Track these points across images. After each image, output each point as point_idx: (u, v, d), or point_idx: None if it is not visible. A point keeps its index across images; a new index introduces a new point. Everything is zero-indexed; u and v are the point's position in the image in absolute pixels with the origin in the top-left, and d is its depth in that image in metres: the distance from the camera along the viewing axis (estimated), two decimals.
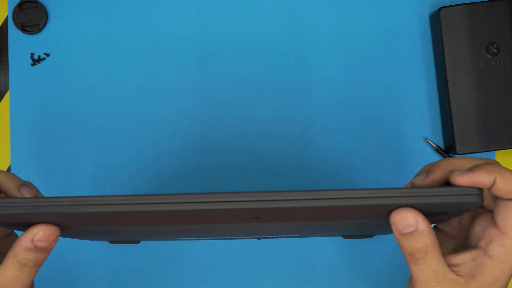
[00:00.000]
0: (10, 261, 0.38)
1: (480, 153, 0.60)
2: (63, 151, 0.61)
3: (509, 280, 0.35)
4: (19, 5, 0.60)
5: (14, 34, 0.61)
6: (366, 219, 0.37)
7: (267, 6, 0.61)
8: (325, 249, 0.61)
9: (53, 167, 0.61)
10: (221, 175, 0.59)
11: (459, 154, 0.58)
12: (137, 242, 0.53)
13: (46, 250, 0.38)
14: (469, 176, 0.35)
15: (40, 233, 0.37)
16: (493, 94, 0.58)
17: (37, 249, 0.37)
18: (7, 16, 0.61)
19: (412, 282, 0.37)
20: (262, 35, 0.60)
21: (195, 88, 0.60)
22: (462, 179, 0.35)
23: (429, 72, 0.61)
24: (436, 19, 0.59)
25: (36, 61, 0.60)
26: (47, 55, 0.61)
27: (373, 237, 0.61)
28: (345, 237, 0.58)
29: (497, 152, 0.61)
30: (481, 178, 0.34)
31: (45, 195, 0.60)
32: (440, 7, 0.58)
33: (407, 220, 0.35)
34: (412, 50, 0.61)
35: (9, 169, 0.61)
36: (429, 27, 0.61)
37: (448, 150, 0.60)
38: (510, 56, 0.58)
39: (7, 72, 0.62)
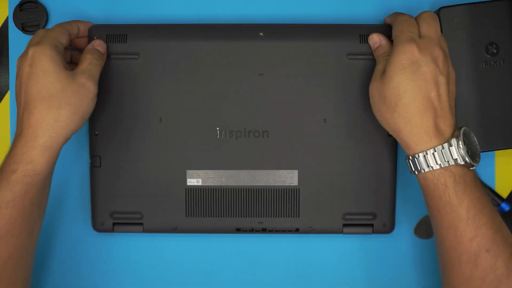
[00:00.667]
0: (82, 57, 0.55)
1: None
2: (63, 151, 0.61)
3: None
4: (20, 5, 0.61)
5: (14, 34, 0.62)
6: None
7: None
8: (325, 248, 0.61)
9: None
10: None
11: None
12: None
13: (100, 54, 0.56)
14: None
15: (97, 41, 0.57)
16: (493, 94, 0.59)
17: (95, 50, 0.56)
18: (7, 16, 0.62)
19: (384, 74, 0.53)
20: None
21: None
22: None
23: None
24: None
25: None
26: None
27: (373, 237, 0.61)
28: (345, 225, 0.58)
29: (497, 152, 0.62)
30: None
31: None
32: (440, 7, 0.59)
33: (374, 39, 0.57)
34: None
35: None
36: None
37: None
38: (510, 56, 0.59)
39: (7, 72, 0.62)
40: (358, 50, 0.58)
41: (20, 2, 0.61)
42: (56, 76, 0.51)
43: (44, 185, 0.52)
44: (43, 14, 0.61)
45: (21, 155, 0.50)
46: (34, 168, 0.51)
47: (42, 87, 0.51)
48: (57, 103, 0.51)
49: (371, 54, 0.58)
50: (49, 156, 0.51)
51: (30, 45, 0.53)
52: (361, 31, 0.58)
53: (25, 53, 0.52)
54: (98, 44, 0.57)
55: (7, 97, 0.62)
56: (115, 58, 0.58)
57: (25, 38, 0.61)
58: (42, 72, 0.51)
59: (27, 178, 0.50)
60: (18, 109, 0.53)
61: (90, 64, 0.54)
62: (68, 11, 0.62)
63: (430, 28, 0.53)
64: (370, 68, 0.57)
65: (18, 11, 0.61)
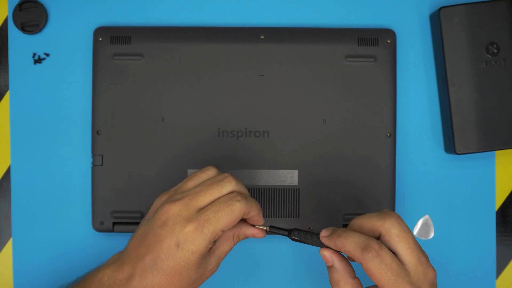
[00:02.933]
0: (231, 238, 0.51)
1: (480, 153, 0.61)
2: (63, 151, 0.62)
3: None
4: (19, 5, 0.62)
5: (14, 34, 0.62)
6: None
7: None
8: None
9: (53, 167, 0.62)
10: None
11: (459, 154, 0.59)
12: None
13: (245, 238, 0.52)
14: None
15: (261, 234, 0.52)
16: (493, 94, 0.59)
17: (246, 237, 0.52)
18: (7, 16, 0.63)
19: None
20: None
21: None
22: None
23: (429, 72, 0.62)
24: (436, 19, 0.60)
25: (36, 61, 0.61)
26: (47, 55, 0.62)
27: None
28: None
29: (497, 152, 0.62)
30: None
31: (44, 196, 0.61)
32: (440, 7, 0.60)
33: (326, 257, 0.49)
34: (412, 50, 0.62)
35: (9, 169, 0.62)
36: (429, 27, 0.62)
37: (448, 149, 0.61)
38: (510, 56, 0.59)
39: (7, 72, 0.63)
40: (356, 53, 0.59)
41: (20, 2, 0.62)
42: (195, 266, 0.47)
43: None
44: (43, 14, 0.62)
45: None
46: None
47: (175, 271, 0.47)
48: (181, 279, 0.47)
49: (369, 56, 0.59)
50: None
51: (195, 204, 0.48)
52: (359, 35, 0.60)
53: (181, 222, 0.47)
54: (257, 237, 0.52)
55: (7, 97, 0.63)
56: (119, 59, 0.59)
57: (25, 38, 0.62)
58: (185, 263, 0.47)
59: None
60: (138, 249, 0.48)
61: (229, 249, 0.51)
62: (68, 12, 0.62)
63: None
64: (368, 70, 0.59)
65: (18, 11, 0.62)
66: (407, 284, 0.45)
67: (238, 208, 0.47)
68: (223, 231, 0.48)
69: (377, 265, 0.45)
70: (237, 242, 0.51)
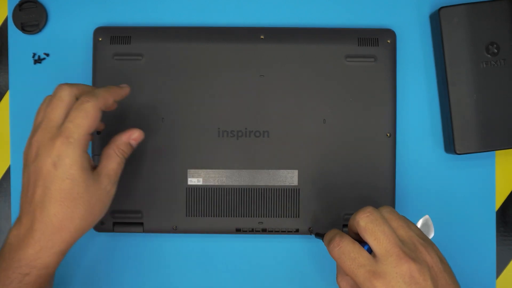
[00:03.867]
0: (113, 153, 0.52)
1: (480, 153, 0.61)
2: None
3: None
4: (19, 5, 0.62)
5: (14, 34, 0.63)
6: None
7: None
8: (325, 248, 0.62)
9: None
10: None
11: (459, 154, 0.59)
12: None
13: (131, 149, 0.54)
14: None
15: (136, 133, 0.53)
16: (493, 94, 0.60)
17: (129, 146, 0.53)
18: (7, 16, 0.63)
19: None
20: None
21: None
22: None
23: (429, 72, 0.62)
24: (436, 19, 0.60)
25: (36, 61, 0.62)
26: (47, 55, 0.62)
27: None
28: None
29: (497, 152, 0.62)
30: None
31: None
32: (440, 7, 0.60)
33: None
34: (412, 50, 0.62)
35: (9, 169, 0.62)
36: (429, 27, 0.62)
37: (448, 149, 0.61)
38: (510, 56, 0.59)
39: (7, 72, 0.63)
40: (357, 53, 0.59)
41: (20, 1, 0.62)
42: (82, 182, 0.49)
43: (52, 276, 0.53)
44: (43, 14, 0.62)
45: (35, 260, 0.49)
46: (48, 272, 0.50)
47: (64, 192, 0.48)
48: (75, 205, 0.49)
49: (369, 56, 0.59)
50: (62, 257, 0.50)
51: (51, 124, 0.49)
52: (359, 35, 0.60)
53: (48, 144, 0.48)
54: (137, 138, 0.54)
55: (7, 97, 0.63)
56: (119, 59, 0.59)
57: (25, 38, 0.62)
58: (69, 179, 0.48)
59: (40, 279, 0.49)
60: (26, 196, 0.50)
61: (119, 165, 0.53)
62: (68, 12, 0.62)
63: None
64: (368, 70, 0.60)
65: (18, 10, 0.62)
66: (366, 273, 0.46)
67: (90, 106, 0.49)
68: (89, 135, 0.50)
69: (338, 254, 0.48)
70: (123, 155, 0.53)
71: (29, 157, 0.50)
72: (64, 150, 0.48)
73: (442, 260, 0.49)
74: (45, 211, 0.48)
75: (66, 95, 0.50)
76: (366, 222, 0.48)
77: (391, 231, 0.48)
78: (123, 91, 0.54)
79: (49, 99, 0.51)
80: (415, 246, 0.47)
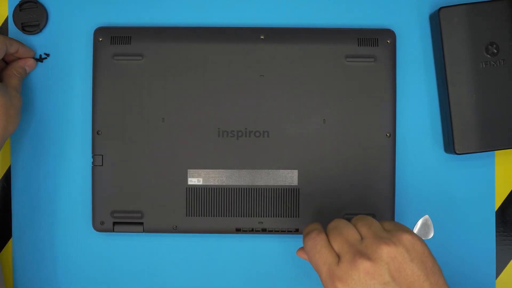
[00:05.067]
0: (11, 73, 0.60)
1: (480, 153, 0.61)
2: (63, 151, 0.62)
3: None
4: (20, 5, 0.62)
5: (14, 34, 0.63)
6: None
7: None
8: None
9: (53, 167, 0.62)
10: None
11: (459, 154, 0.59)
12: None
13: (26, 74, 0.62)
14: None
15: (30, 61, 0.62)
16: (493, 94, 0.60)
17: (24, 69, 0.61)
18: (7, 16, 0.63)
19: None
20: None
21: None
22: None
23: (429, 72, 0.62)
24: (436, 19, 0.60)
25: (37, 59, 0.62)
26: (47, 55, 0.62)
27: None
28: None
29: (497, 152, 0.62)
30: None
31: (44, 196, 0.61)
32: (440, 7, 0.60)
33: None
34: (412, 50, 0.62)
35: (9, 169, 0.63)
36: (429, 27, 0.63)
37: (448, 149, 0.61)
38: (510, 56, 0.60)
39: None
40: (356, 53, 0.60)
41: (20, 2, 0.62)
42: None
43: None
44: (43, 14, 0.62)
45: None
46: None
47: None
48: None
49: (369, 56, 0.60)
50: None
51: None
52: (359, 35, 0.61)
53: None
54: (30, 65, 0.62)
55: None
56: (119, 59, 0.60)
57: (25, 38, 0.62)
58: None
59: None
60: None
61: (19, 81, 0.60)
62: (68, 12, 0.63)
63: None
64: (368, 70, 0.60)
65: (18, 11, 0.62)
66: (328, 271, 0.47)
67: None
68: None
69: (310, 247, 0.49)
70: (20, 76, 0.61)
71: None
72: None
73: (413, 249, 0.47)
74: None
75: None
76: (330, 228, 0.50)
77: (350, 233, 0.48)
78: (27, 52, 0.61)
79: None
80: (375, 242, 0.47)
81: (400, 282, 0.46)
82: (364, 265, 0.46)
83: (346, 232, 0.48)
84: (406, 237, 0.47)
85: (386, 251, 0.46)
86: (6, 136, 0.58)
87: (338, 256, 0.47)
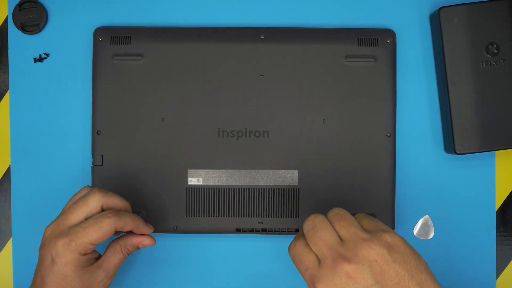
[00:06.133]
0: (119, 249, 0.55)
1: (480, 153, 0.61)
2: (63, 151, 0.62)
3: None
4: (19, 5, 0.62)
5: (14, 34, 0.63)
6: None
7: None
8: None
9: (53, 167, 0.62)
10: None
11: (459, 154, 0.60)
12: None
13: (136, 249, 0.56)
14: None
15: (148, 241, 0.56)
16: (493, 94, 0.60)
17: (136, 248, 0.56)
18: (7, 16, 0.63)
19: None
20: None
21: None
22: None
23: (429, 72, 0.63)
24: (436, 19, 0.60)
25: (37, 59, 0.62)
26: (47, 55, 0.62)
27: None
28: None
29: (497, 152, 0.63)
30: None
31: (44, 196, 0.61)
32: (440, 7, 0.60)
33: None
34: (412, 50, 0.62)
35: (9, 169, 0.63)
36: (429, 27, 0.63)
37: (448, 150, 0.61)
38: (510, 56, 0.59)
39: (7, 72, 0.63)
40: (356, 53, 0.60)
41: (20, 1, 0.62)
42: (76, 278, 0.52)
43: None
44: (43, 14, 0.62)
45: None
46: None
47: (59, 284, 0.51)
48: None
49: (369, 56, 0.60)
50: None
51: (65, 222, 0.52)
52: (359, 35, 0.61)
53: (53, 240, 0.51)
54: (146, 245, 0.56)
55: (7, 97, 0.63)
56: (119, 59, 0.60)
57: (25, 38, 0.62)
58: (63, 275, 0.51)
59: None
60: (35, 275, 0.53)
61: (120, 261, 0.55)
62: (68, 12, 0.63)
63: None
64: (368, 70, 0.60)
65: (18, 10, 0.62)
66: (309, 276, 0.47)
67: (107, 224, 0.52)
68: (93, 244, 0.52)
69: (292, 256, 0.50)
70: (127, 253, 0.56)
71: (41, 241, 0.54)
72: (62, 251, 0.51)
73: (395, 250, 0.46)
74: None
75: (92, 203, 0.53)
76: (307, 230, 0.49)
77: (329, 235, 0.47)
78: (146, 229, 0.56)
79: (79, 197, 0.54)
80: (355, 244, 0.46)
81: (384, 284, 0.45)
82: (346, 268, 0.45)
83: (324, 235, 0.47)
84: (386, 238, 0.46)
85: (368, 254, 0.45)
86: None
87: (319, 260, 0.47)
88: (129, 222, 0.54)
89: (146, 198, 0.60)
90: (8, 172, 0.63)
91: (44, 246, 0.53)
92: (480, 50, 0.60)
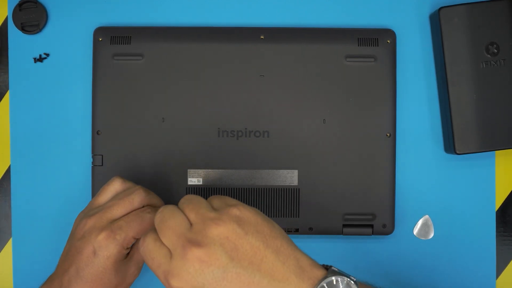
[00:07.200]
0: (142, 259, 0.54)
1: (480, 153, 0.61)
2: (63, 151, 0.62)
3: None
4: (19, 5, 0.62)
5: (14, 34, 0.63)
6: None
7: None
8: (325, 248, 0.62)
9: (53, 167, 0.62)
10: None
11: (459, 154, 0.60)
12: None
13: None
14: None
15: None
16: (493, 94, 0.60)
17: None
18: (7, 16, 0.63)
19: None
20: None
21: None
22: None
23: (429, 72, 0.63)
24: (436, 19, 0.60)
25: (37, 59, 0.62)
26: (47, 55, 0.62)
27: (373, 237, 0.62)
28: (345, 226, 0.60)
29: (497, 152, 0.63)
30: None
31: (44, 196, 0.61)
32: (440, 7, 0.60)
33: None
34: (412, 50, 0.62)
35: (9, 169, 0.63)
36: (429, 27, 0.63)
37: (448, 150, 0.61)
38: (510, 56, 0.60)
39: (7, 72, 0.63)
40: (356, 53, 0.60)
41: (20, 1, 0.62)
42: (113, 271, 0.52)
43: None
44: (43, 14, 0.62)
45: None
46: None
47: (96, 276, 0.51)
48: (103, 286, 0.52)
49: (369, 56, 0.60)
50: None
51: (108, 216, 0.52)
52: (359, 35, 0.61)
53: (95, 232, 0.51)
54: None
55: (7, 97, 0.63)
56: (119, 59, 0.60)
57: (25, 38, 0.63)
58: (102, 268, 0.51)
59: None
60: (63, 263, 0.53)
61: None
62: (68, 12, 0.63)
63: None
64: (368, 70, 0.60)
65: (18, 10, 0.62)
66: (162, 273, 0.44)
67: (148, 218, 0.52)
68: (135, 238, 0.52)
69: (142, 253, 0.47)
70: None
71: (77, 232, 0.53)
72: (107, 244, 0.51)
73: (245, 222, 0.44)
74: (73, 285, 0.52)
75: (136, 201, 0.53)
76: (157, 223, 0.46)
77: (178, 222, 0.45)
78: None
79: (123, 194, 0.54)
80: (204, 226, 0.43)
81: (240, 259, 0.43)
82: (196, 254, 0.42)
83: (173, 223, 0.45)
84: (234, 212, 0.44)
85: (217, 233, 0.43)
86: None
87: (171, 253, 0.44)
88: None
89: None
90: (8, 172, 0.63)
91: (83, 238, 0.52)
92: (480, 50, 0.60)
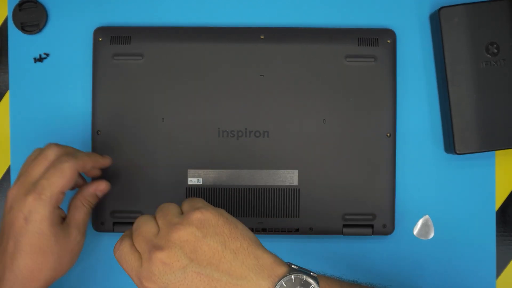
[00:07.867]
0: (80, 203, 0.55)
1: (480, 153, 0.61)
2: None
3: None
4: (19, 5, 0.62)
5: (14, 34, 0.63)
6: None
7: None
8: (325, 248, 0.62)
9: None
10: None
11: (459, 154, 0.60)
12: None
13: (97, 198, 0.57)
14: None
15: (102, 185, 0.56)
16: (493, 94, 0.60)
17: (95, 196, 0.56)
18: (7, 16, 0.63)
19: None
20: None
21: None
22: None
23: (429, 72, 0.63)
24: (436, 19, 0.60)
25: (37, 59, 0.62)
26: (47, 55, 0.62)
27: (374, 237, 0.62)
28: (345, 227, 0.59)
29: (497, 152, 0.63)
30: None
31: None
32: (440, 7, 0.60)
33: None
34: (412, 50, 0.63)
35: (9, 169, 0.63)
36: (429, 27, 0.63)
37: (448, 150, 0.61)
38: (510, 56, 0.60)
39: (7, 72, 0.63)
40: (357, 53, 0.60)
41: (20, 1, 0.62)
42: (51, 236, 0.51)
43: None
44: (43, 14, 0.62)
45: None
46: None
47: (34, 246, 0.51)
48: (44, 257, 0.52)
49: (369, 56, 0.60)
50: None
51: (28, 179, 0.52)
52: (359, 35, 0.61)
53: (22, 199, 0.51)
54: (103, 190, 0.57)
55: (7, 97, 0.63)
56: (119, 59, 0.60)
57: (25, 38, 0.63)
58: (39, 234, 0.51)
59: None
60: (1, 245, 0.52)
61: (86, 215, 0.55)
62: (68, 12, 0.63)
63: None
64: (368, 70, 0.60)
65: (18, 10, 0.62)
66: (135, 276, 0.47)
67: (67, 167, 0.52)
68: (62, 193, 0.52)
69: (117, 257, 0.48)
70: (89, 205, 0.56)
71: (5, 208, 0.53)
72: (35, 206, 0.51)
73: (204, 225, 0.46)
74: (15, 262, 0.51)
75: (51, 154, 0.53)
76: (133, 229, 0.48)
77: (148, 229, 0.47)
78: (104, 161, 0.57)
79: (35, 153, 0.54)
80: (168, 231, 0.46)
81: (199, 260, 0.45)
82: (159, 256, 0.45)
83: (144, 230, 0.47)
84: (195, 216, 0.46)
85: (178, 236, 0.45)
86: (55, 276, 0.53)
87: (141, 256, 0.47)
88: (87, 159, 0.54)
89: (146, 198, 0.60)
90: (8, 172, 0.63)
91: (12, 209, 0.51)
92: (480, 50, 0.60)
